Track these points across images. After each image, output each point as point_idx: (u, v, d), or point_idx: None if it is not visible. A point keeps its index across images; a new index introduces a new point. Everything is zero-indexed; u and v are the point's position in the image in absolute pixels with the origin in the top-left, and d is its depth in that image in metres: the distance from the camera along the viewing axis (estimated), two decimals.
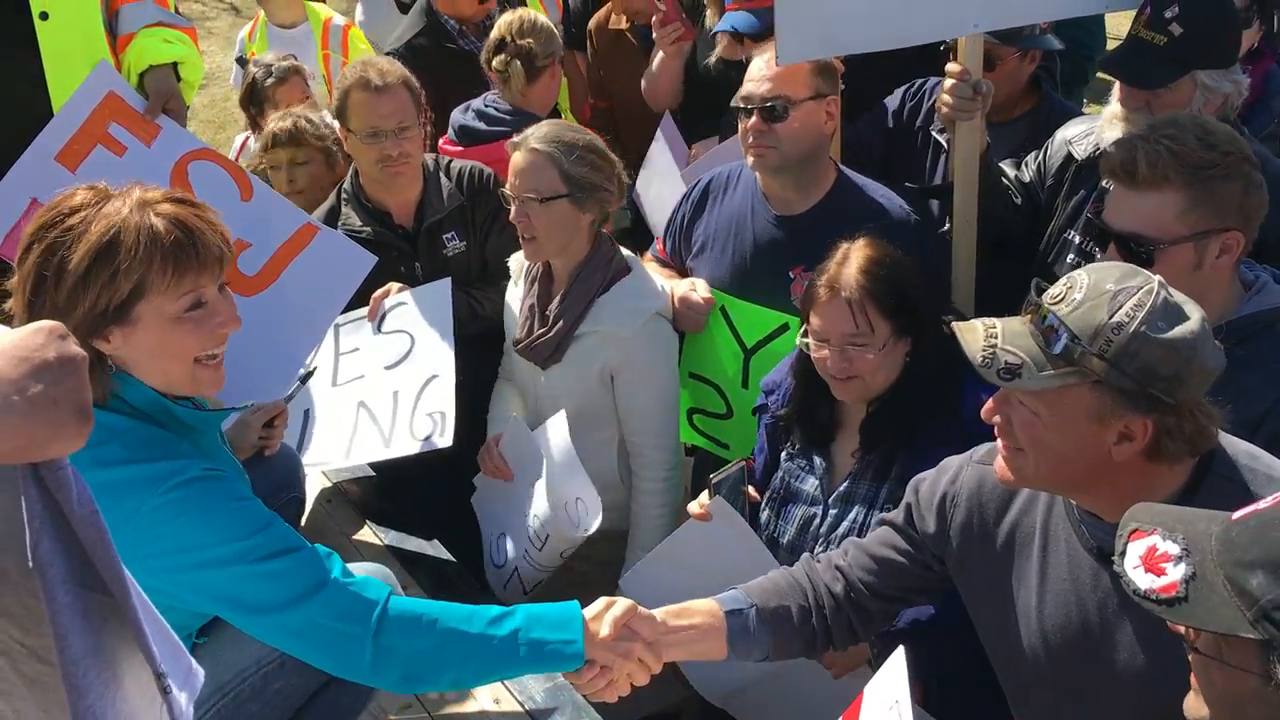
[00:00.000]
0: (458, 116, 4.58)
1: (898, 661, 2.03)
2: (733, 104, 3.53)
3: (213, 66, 10.68)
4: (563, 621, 2.34)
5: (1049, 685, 2.27)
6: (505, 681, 3.03)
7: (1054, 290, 2.07)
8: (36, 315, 2.24)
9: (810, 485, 3.05)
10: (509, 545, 3.67)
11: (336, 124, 4.13)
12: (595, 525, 3.43)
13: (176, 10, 4.39)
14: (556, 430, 3.51)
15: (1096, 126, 3.36)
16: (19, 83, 3.93)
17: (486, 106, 4.58)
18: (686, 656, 2.47)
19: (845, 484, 2.99)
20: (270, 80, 5.09)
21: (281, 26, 6.27)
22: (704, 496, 2.99)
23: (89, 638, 1.27)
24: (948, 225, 3.71)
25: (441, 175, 4.02)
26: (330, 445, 3.72)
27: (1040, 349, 2.03)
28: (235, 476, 2.49)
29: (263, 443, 3.24)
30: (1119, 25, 5.38)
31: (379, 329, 3.83)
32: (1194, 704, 1.69)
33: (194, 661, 1.49)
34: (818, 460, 3.05)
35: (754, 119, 3.45)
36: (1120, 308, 1.98)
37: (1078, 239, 3.39)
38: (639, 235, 4.63)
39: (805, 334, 2.95)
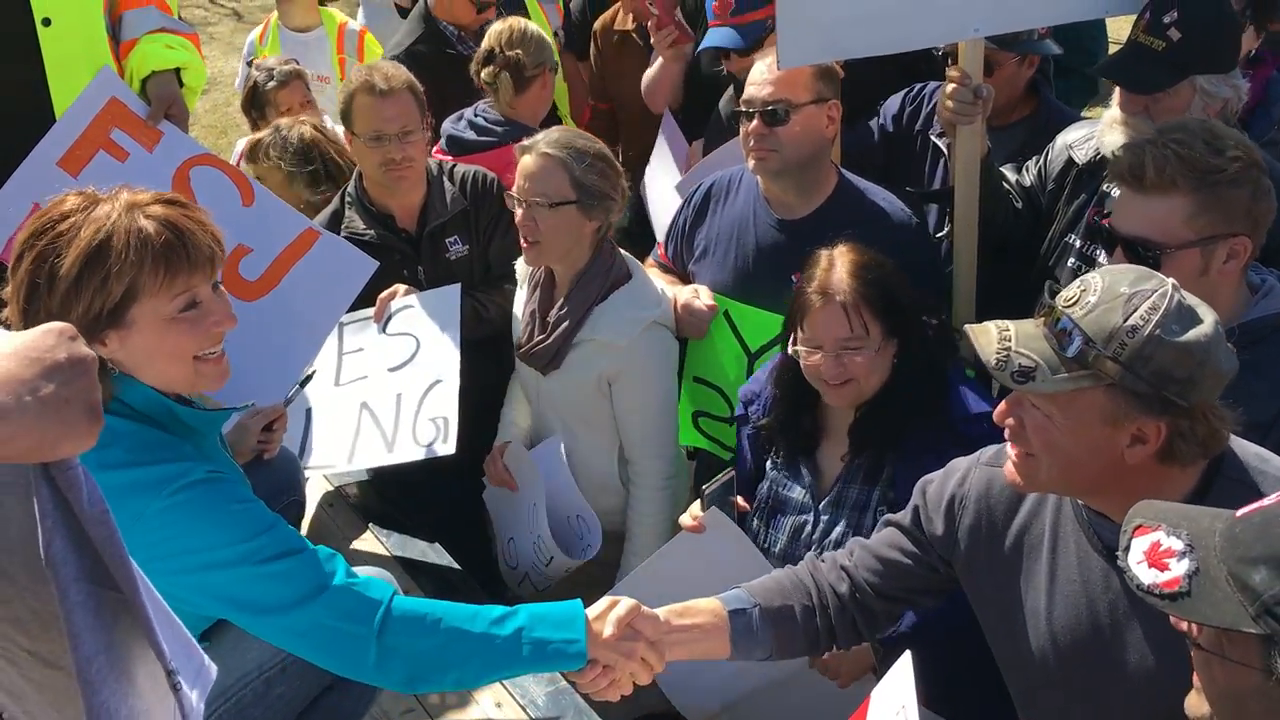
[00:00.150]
0: (448, 126, 4.60)
1: (904, 666, 2.04)
2: (722, 106, 3.54)
3: (215, 72, 10.70)
4: (565, 621, 2.35)
5: (1058, 686, 2.27)
6: (507, 685, 3.04)
7: (1067, 293, 2.08)
8: (31, 322, 2.24)
9: (798, 494, 3.06)
10: (518, 551, 3.70)
11: (341, 128, 4.15)
12: (595, 550, 3.48)
13: (179, 16, 4.40)
14: (552, 454, 3.55)
15: (1097, 131, 3.36)
16: (21, 89, 3.93)
17: (476, 116, 4.60)
18: (689, 655, 2.46)
19: (835, 489, 3.00)
20: (271, 84, 5.12)
21: (296, 30, 6.28)
22: (695, 508, 2.98)
23: (101, 635, 1.28)
24: (947, 229, 3.72)
25: (445, 179, 4.04)
26: (333, 447, 3.72)
27: (1054, 352, 2.04)
28: (237, 479, 2.50)
29: (262, 446, 3.25)
30: (1120, 29, 5.38)
31: (384, 330, 3.84)
32: (1195, 701, 1.69)
33: (206, 658, 1.50)
34: (804, 468, 3.06)
35: (755, 123, 3.46)
36: (1135, 311, 1.98)
37: (1079, 243, 3.39)
38: (642, 238, 4.63)
39: (794, 342, 2.95)
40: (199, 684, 1.47)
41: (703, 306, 3.57)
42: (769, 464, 3.14)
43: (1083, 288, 2.06)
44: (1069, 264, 3.40)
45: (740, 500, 3.02)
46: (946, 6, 3.27)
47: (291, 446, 3.54)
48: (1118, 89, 3.24)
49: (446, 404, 3.61)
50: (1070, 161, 3.47)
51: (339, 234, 3.92)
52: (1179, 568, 1.59)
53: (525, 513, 3.64)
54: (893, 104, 4.14)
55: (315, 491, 3.83)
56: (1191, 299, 2.04)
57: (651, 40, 4.97)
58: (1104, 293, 2.02)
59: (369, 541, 3.68)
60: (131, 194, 2.32)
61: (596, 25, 5.45)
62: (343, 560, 2.34)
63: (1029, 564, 2.29)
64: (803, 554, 2.89)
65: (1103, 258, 3.30)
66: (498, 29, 4.61)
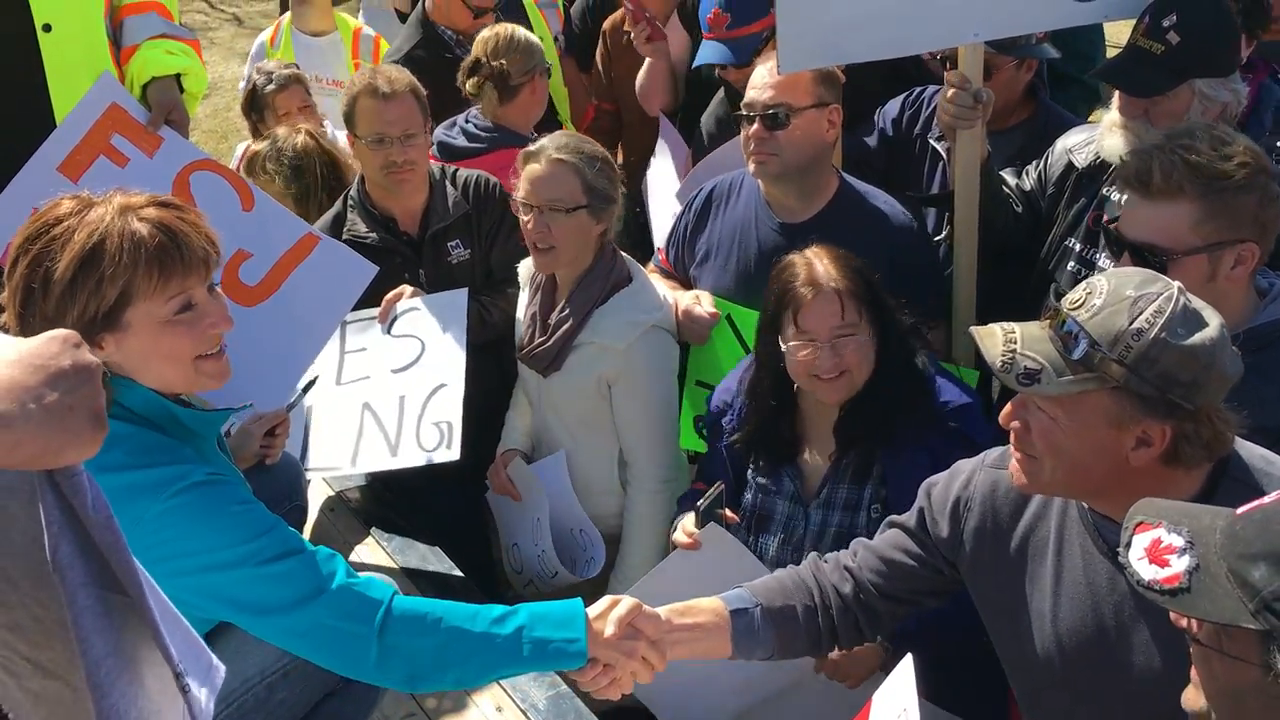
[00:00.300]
0: (440, 133, 4.60)
1: (905, 668, 2.04)
2: (704, 121, 3.54)
3: (215, 76, 10.73)
4: (566, 620, 2.35)
5: (1063, 687, 2.27)
6: (508, 689, 3.04)
7: (1073, 296, 2.08)
8: (28, 326, 2.26)
9: (784, 501, 3.06)
10: (523, 557, 3.71)
11: (343, 133, 4.16)
12: (599, 566, 3.51)
13: (180, 22, 4.40)
14: (555, 468, 3.56)
15: (1096, 135, 3.36)
16: (22, 94, 3.94)
17: (468, 122, 4.62)
18: (690, 654, 2.46)
19: (824, 490, 3.01)
20: (270, 87, 5.14)
21: (311, 35, 6.28)
22: (687, 523, 2.96)
23: (110, 638, 1.29)
24: (946, 232, 3.72)
25: (447, 183, 4.05)
26: (335, 448, 3.72)
27: (1059, 354, 2.05)
28: (237, 482, 2.51)
29: (264, 452, 3.26)
30: (1118, 34, 5.38)
31: (389, 331, 3.85)
32: (1192, 696, 1.71)
33: (214, 658, 1.50)
34: (787, 474, 3.06)
35: (756, 126, 3.47)
36: (1140, 314, 1.99)
37: (1078, 247, 3.40)
38: (642, 242, 4.63)
39: (782, 341, 2.93)
40: (208, 683, 1.48)
41: (704, 313, 3.58)
42: (750, 474, 3.13)
43: (1088, 291, 2.06)
44: (1069, 268, 3.41)
45: (728, 512, 3.00)
46: (946, 11, 3.28)
47: (292, 445, 3.54)
48: (1117, 93, 3.24)
49: (451, 409, 3.62)
50: (1070, 165, 3.47)
51: (341, 236, 3.93)
52: (1179, 564, 1.59)
53: (529, 524, 3.66)
54: (892, 108, 4.15)
55: (316, 496, 3.83)
56: (1197, 302, 2.04)
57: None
58: (1110, 296, 2.03)
59: (370, 546, 3.68)
60: (125, 197, 2.33)
61: (605, 24, 5.43)
62: (343, 560, 2.34)
63: (1034, 566, 2.30)
64: (795, 559, 2.89)
65: (1103, 261, 3.30)
66: (484, 37, 4.61)
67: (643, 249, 4.15)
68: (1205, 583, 1.56)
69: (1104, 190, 3.36)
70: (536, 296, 3.64)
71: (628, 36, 5.12)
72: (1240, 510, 1.63)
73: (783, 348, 2.93)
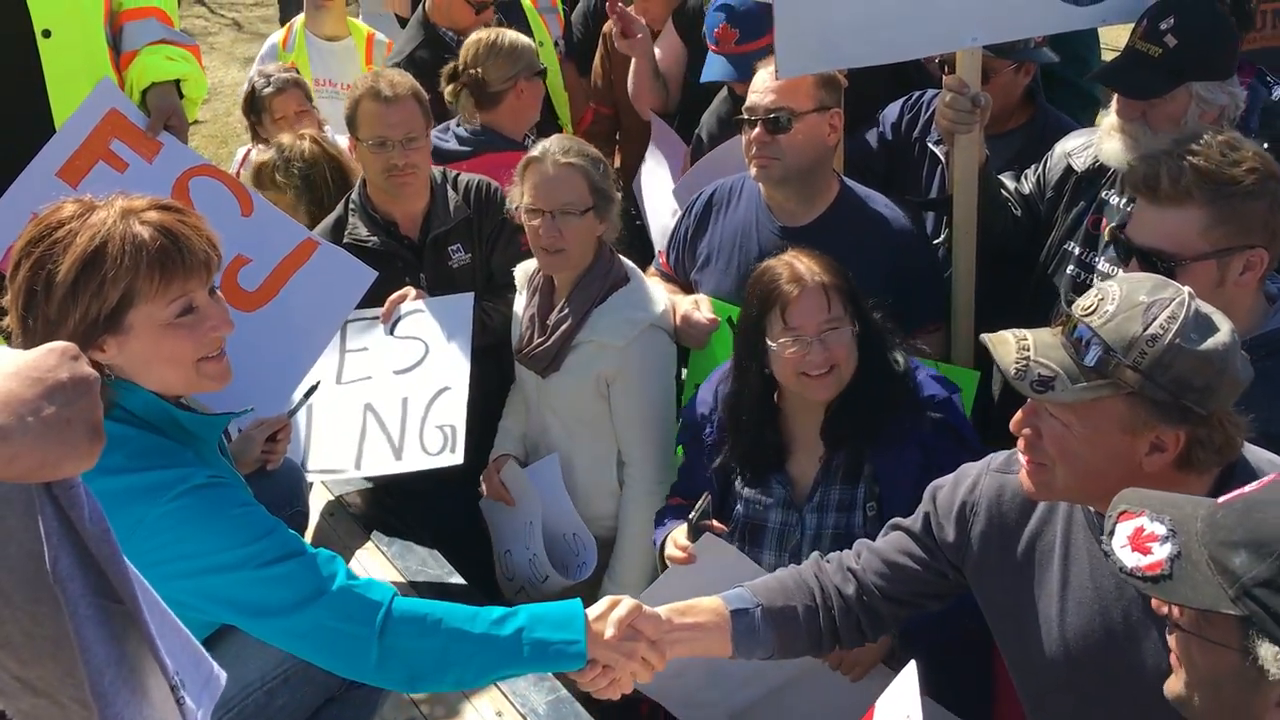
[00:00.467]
0: (434, 135, 4.60)
1: (909, 675, 2.04)
2: (704, 121, 3.54)
3: (215, 81, 10.75)
4: (565, 621, 2.36)
5: (1068, 691, 2.27)
6: (507, 694, 3.05)
7: (1085, 302, 2.08)
8: (30, 329, 2.27)
9: (776, 509, 3.06)
10: (515, 564, 3.71)
11: (344, 138, 4.16)
12: (590, 570, 3.51)
13: (180, 28, 4.41)
14: (550, 471, 3.56)
15: (1095, 138, 3.37)
16: (21, 99, 3.95)
17: (459, 126, 4.63)
18: (690, 653, 2.47)
19: (816, 493, 3.01)
20: (268, 89, 5.15)
21: (325, 39, 6.30)
22: (678, 537, 2.95)
23: (113, 648, 1.29)
24: (944, 235, 3.72)
25: (448, 187, 4.06)
26: (339, 451, 3.72)
27: (1073, 360, 2.04)
28: (238, 485, 2.51)
29: (265, 457, 3.25)
30: (1115, 38, 5.39)
31: (392, 332, 3.85)
32: (1174, 683, 1.72)
33: (215, 666, 1.50)
34: (775, 482, 3.06)
35: (757, 130, 3.48)
36: (1154, 320, 1.99)
37: (1077, 250, 3.40)
38: (640, 246, 4.62)
39: (770, 339, 2.93)
40: (207, 692, 1.48)
41: (703, 319, 3.58)
42: (738, 485, 3.12)
43: (1100, 296, 2.06)
44: (1068, 271, 3.41)
45: (715, 523, 2.98)
46: (944, 16, 3.28)
47: (293, 447, 3.53)
48: (1115, 96, 3.25)
49: (455, 412, 3.62)
50: (1069, 169, 3.47)
51: (342, 240, 3.94)
52: (1161, 551, 1.62)
53: (522, 529, 3.67)
54: (892, 112, 4.15)
55: (316, 501, 3.83)
56: (1207, 307, 2.04)
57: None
58: (1122, 301, 2.02)
59: (370, 551, 3.68)
60: (127, 200, 2.33)
61: (605, 28, 5.39)
62: (343, 562, 2.35)
63: (1041, 570, 2.29)
64: (791, 564, 2.90)
65: (1102, 264, 3.31)
66: (468, 42, 4.60)
67: (640, 253, 4.15)
68: (1186, 569, 1.59)
69: (1103, 194, 3.36)
70: (534, 298, 3.65)
71: None
72: (1221, 499, 1.66)
73: (772, 346, 2.92)
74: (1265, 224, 2.61)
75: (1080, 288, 3.37)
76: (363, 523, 3.82)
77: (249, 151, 5.47)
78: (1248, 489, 1.64)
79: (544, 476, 3.66)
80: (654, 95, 4.98)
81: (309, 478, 3.67)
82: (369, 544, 3.71)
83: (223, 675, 1.51)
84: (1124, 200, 3.28)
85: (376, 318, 3.86)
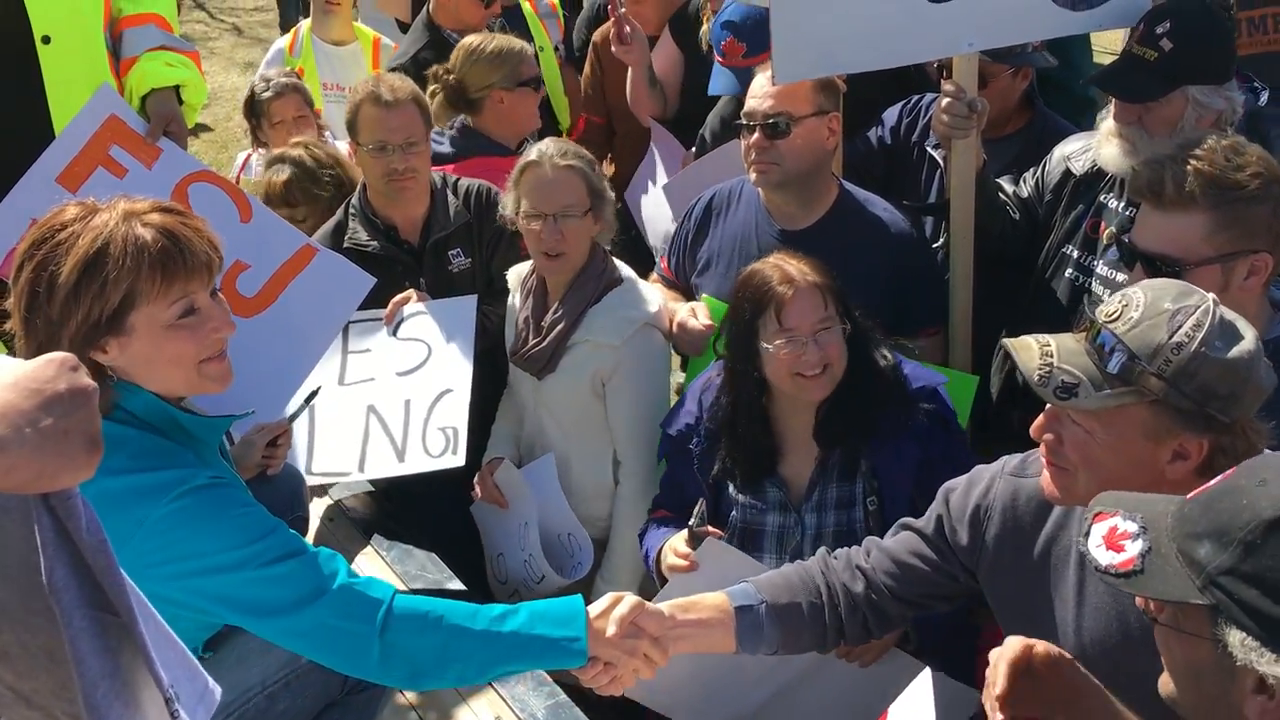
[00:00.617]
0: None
1: (924, 683, 2.04)
2: (709, 121, 3.54)
3: (215, 86, 10.75)
4: (566, 618, 2.37)
5: None
6: (506, 699, 3.05)
7: (1109, 308, 2.07)
8: (33, 331, 2.29)
9: (773, 512, 3.06)
10: (508, 567, 3.72)
11: (344, 143, 4.17)
12: (586, 569, 3.51)
13: (180, 34, 4.41)
14: (545, 471, 3.56)
15: (1094, 142, 3.37)
16: (20, 105, 3.95)
17: (451, 128, 4.63)
18: (694, 649, 2.47)
19: (814, 493, 3.01)
20: (267, 94, 5.16)
21: (332, 44, 6.31)
22: (678, 546, 2.93)
23: (107, 660, 1.29)
24: (943, 239, 3.73)
25: (448, 192, 4.07)
26: (341, 453, 3.72)
27: (1096, 367, 2.04)
28: (239, 485, 2.53)
29: (266, 462, 3.26)
30: (1110, 40, 5.39)
31: (394, 333, 3.86)
32: (1163, 681, 1.74)
33: (210, 680, 1.50)
34: (769, 484, 3.06)
35: (756, 135, 3.48)
36: (1180, 327, 1.98)
37: (1076, 254, 3.41)
38: (636, 252, 4.63)
39: (765, 341, 2.93)
40: (203, 706, 1.47)
41: (699, 326, 3.58)
42: (731, 490, 3.11)
43: (1124, 303, 2.05)
44: (1066, 275, 3.42)
45: (710, 528, 2.97)
46: (940, 21, 3.28)
47: (294, 452, 3.54)
48: (1113, 100, 3.25)
49: (457, 414, 3.63)
50: (1068, 173, 3.48)
51: (342, 245, 3.95)
52: (1133, 548, 1.65)
53: (516, 530, 3.66)
54: (891, 116, 4.16)
55: (316, 505, 3.84)
56: (1231, 315, 2.03)
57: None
58: (1147, 308, 2.02)
59: (369, 555, 3.69)
60: (129, 203, 2.35)
61: (596, 37, 5.41)
62: (344, 561, 2.36)
63: (1057, 575, 2.28)
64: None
65: (1101, 268, 3.31)
66: (457, 46, 4.61)
67: (634, 262, 4.15)
68: (1157, 564, 1.61)
69: (1101, 198, 3.37)
70: (528, 300, 3.67)
71: None
72: (1190, 495, 1.68)
73: (768, 349, 2.92)
74: (1269, 228, 2.62)
75: (1078, 291, 3.38)
76: (362, 527, 3.83)
77: (249, 156, 5.49)
78: (1212, 482, 1.66)
79: (539, 477, 3.67)
80: (652, 102, 4.98)
81: (311, 480, 3.67)
82: (368, 548, 3.71)
83: (218, 690, 1.51)
84: (1123, 204, 3.28)
85: (379, 319, 3.87)
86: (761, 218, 3.64)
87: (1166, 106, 3.11)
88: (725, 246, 3.72)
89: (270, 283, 3.61)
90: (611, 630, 2.35)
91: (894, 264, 3.51)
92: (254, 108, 5.25)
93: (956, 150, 3.46)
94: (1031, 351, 2.12)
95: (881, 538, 2.63)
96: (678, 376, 4.27)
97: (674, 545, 2.94)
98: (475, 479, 3.78)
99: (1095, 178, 3.39)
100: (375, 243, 3.97)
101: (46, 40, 3.94)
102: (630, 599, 2.40)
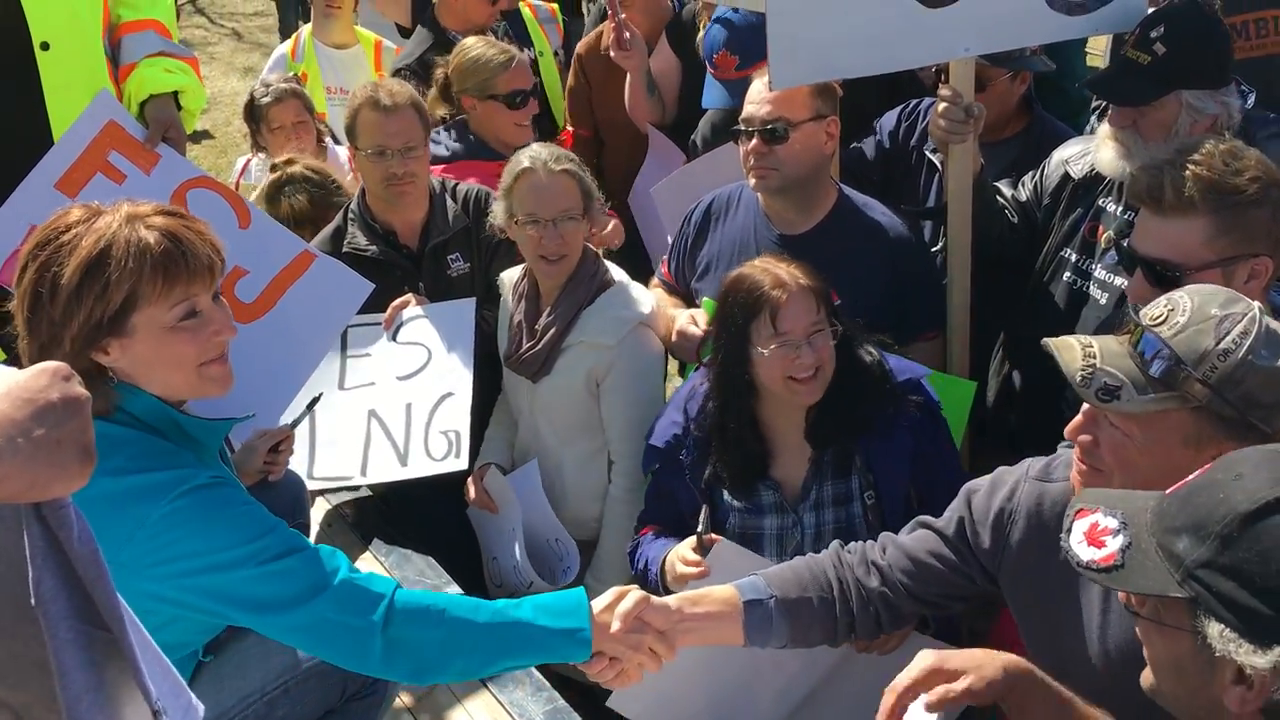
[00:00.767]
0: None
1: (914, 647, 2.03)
2: (701, 127, 3.54)
3: (215, 91, 10.76)
4: (570, 610, 2.37)
5: (1107, 702, 2.25)
6: (505, 705, 3.05)
7: (1153, 312, 2.06)
8: (35, 331, 2.31)
9: (770, 514, 3.05)
10: (501, 570, 3.72)
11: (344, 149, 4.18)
12: (574, 574, 3.54)
13: (179, 39, 4.42)
14: (529, 478, 3.57)
15: (1092, 146, 3.38)
16: (20, 112, 3.95)
17: (449, 130, 4.64)
18: (701, 642, 2.46)
19: (811, 492, 3.01)
20: (267, 98, 5.17)
21: (333, 47, 6.33)
22: (685, 553, 2.90)
23: (91, 674, 1.28)
24: (941, 244, 3.73)
25: (447, 197, 4.08)
26: (344, 458, 3.73)
27: (1139, 370, 2.02)
28: (238, 485, 2.53)
29: (268, 468, 3.27)
30: (1101, 44, 5.39)
31: (394, 338, 3.87)
32: (1146, 674, 1.76)
33: (194, 697, 1.50)
34: (762, 488, 3.05)
35: (755, 141, 3.48)
36: (1227, 334, 1.97)
37: (1074, 257, 3.41)
38: (632, 257, 4.63)
39: (759, 346, 2.92)
40: None
41: (698, 333, 3.58)
42: (726, 496, 3.10)
43: (1170, 307, 2.04)
44: (1064, 278, 3.42)
45: (713, 535, 2.95)
46: (937, 26, 3.28)
47: (295, 456, 3.53)
48: (1102, 103, 3.26)
49: (458, 417, 3.65)
50: (1066, 176, 3.48)
51: (341, 250, 3.95)
52: (1114, 544, 1.67)
53: (506, 536, 3.67)
54: (889, 120, 4.16)
55: (314, 513, 3.83)
56: (1276, 324, 2.01)
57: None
58: (1194, 314, 2.00)
59: (368, 561, 3.68)
60: (133, 206, 2.37)
61: (579, 49, 5.34)
62: (345, 557, 2.37)
63: (1081, 581, 2.26)
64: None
65: (1099, 271, 3.31)
66: (457, 45, 4.67)
67: (631, 267, 4.16)
68: (1138, 559, 1.63)
69: (1100, 201, 3.37)
70: (521, 304, 3.67)
71: (606, 58, 5.10)
72: (1168, 490, 1.70)
73: (761, 353, 2.91)
74: (1269, 232, 2.61)
75: (1076, 294, 3.39)
76: (361, 533, 3.83)
77: (249, 161, 5.50)
78: (1190, 478, 1.67)
79: (523, 483, 3.68)
80: (650, 109, 4.98)
81: (313, 486, 3.68)
82: (367, 553, 3.72)
83: (201, 707, 1.51)
84: (1121, 208, 3.28)
85: (378, 323, 3.88)
86: (760, 222, 3.65)
87: (1160, 111, 3.11)
88: (725, 251, 3.72)
89: (269, 288, 3.61)
90: (616, 625, 2.36)
91: (893, 268, 3.52)
92: (254, 113, 5.25)
93: (953, 155, 3.46)
94: (1074, 352, 2.11)
95: (881, 531, 2.62)
96: (675, 383, 4.27)
97: (681, 554, 2.92)
98: (465, 485, 3.79)
99: (1093, 181, 3.39)
100: (374, 248, 3.98)
101: (45, 46, 3.94)
102: (636, 593, 2.40)
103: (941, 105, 3.41)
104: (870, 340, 3.07)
